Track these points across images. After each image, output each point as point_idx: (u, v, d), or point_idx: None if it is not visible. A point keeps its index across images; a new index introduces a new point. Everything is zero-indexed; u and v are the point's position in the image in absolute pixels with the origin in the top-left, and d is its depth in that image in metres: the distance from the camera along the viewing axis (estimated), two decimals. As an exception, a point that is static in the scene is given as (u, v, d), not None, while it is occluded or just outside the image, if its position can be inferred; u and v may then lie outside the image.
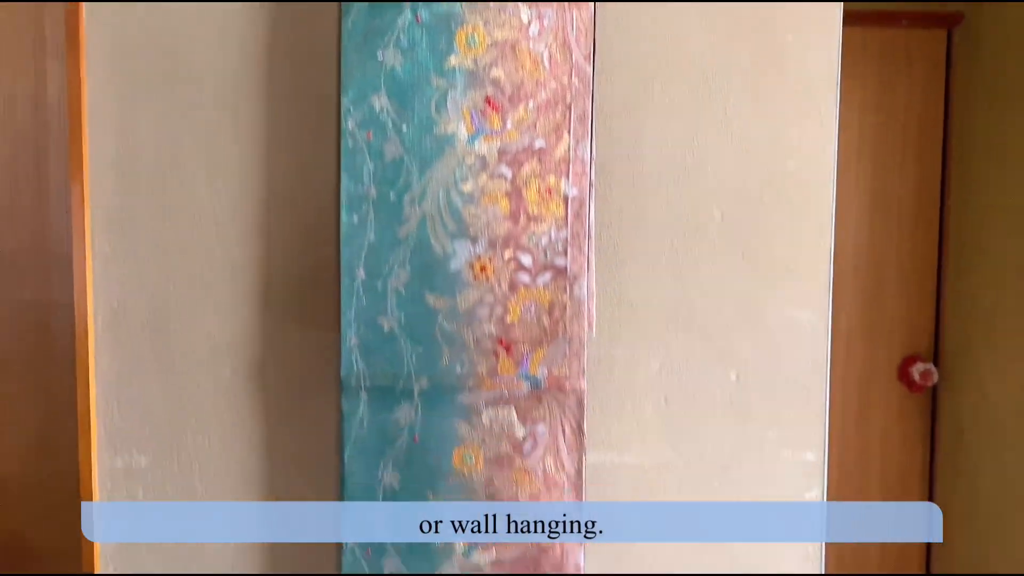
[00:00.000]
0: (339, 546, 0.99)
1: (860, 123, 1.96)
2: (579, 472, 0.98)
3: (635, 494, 1.04)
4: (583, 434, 0.98)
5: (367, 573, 0.97)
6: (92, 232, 1.00)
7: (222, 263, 1.01)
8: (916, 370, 1.97)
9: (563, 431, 0.98)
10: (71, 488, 1.01)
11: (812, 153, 1.04)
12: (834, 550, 2.00)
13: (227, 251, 1.01)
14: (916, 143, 1.96)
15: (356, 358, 0.96)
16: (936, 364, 2.00)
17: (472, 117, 0.96)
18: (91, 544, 1.02)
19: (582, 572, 0.98)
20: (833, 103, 1.04)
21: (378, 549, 0.97)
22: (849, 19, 1.84)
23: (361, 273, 0.96)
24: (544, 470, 0.98)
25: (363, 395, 0.96)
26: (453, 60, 0.95)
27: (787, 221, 1.04)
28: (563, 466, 0.98)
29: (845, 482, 2.01)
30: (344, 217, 0.96)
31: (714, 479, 1.06)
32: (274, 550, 1.02)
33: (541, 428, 0.97)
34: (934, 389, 2.02)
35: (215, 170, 1.01)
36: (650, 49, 1.02)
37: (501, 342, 0.97)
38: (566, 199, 0.97)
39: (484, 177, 0.96)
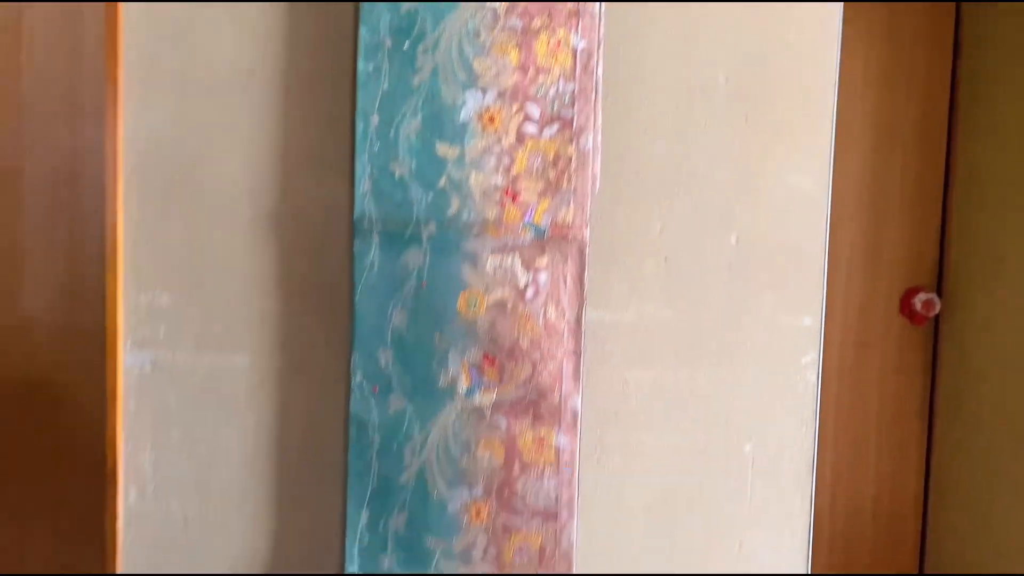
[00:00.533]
0: (347, 388, 1.04)
1: (866, 51, 1.95)
2: (578, 320, 1.02)
3: (631, 352, 1.08)
4: (584, 284, 1.02)
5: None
6: (123, 81, 1.05)
7: (245, 113, 1.05)
8: (919, 300, 1.97)
9: (564, 280, 1.01)
10: (97, 327, 1.07)
11: (815, 22, 1.06)
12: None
13: (250, 101, 1.05)
14: (924, 72, 1.95)
15: (368, 202, 1.01)
16: (939, 296, 2.00)
17: (485, -31, 0.99)
18: (115, 383, 1.08)
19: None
20: (840, -26, 1.06)
21: (385, 387, 1.02)
22: None
23: (375, 119, 1.00)
24: (545, 317, 1.01)
25: (374, 238, 1.01)
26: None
27: (790, 87, 1.06)
28: (564, 314, 1.01)
29: (844, 416, 2.03)
30: (360, 65, 1.00)
31: (711, 341, 1.09)
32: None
33: (543, 276, 1.01)
34: (936, 322, 2.03)
35: (240, 25, 1.05)
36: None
37: (507, 191, 1.01)
38: (575, 51, 1.00)
39: (496, 29, 0.99)
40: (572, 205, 1.01)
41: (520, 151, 1.00)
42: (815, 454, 1.10)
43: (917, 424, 2.05)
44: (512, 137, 1.00)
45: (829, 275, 1.95)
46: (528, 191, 1.01)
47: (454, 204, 1.01)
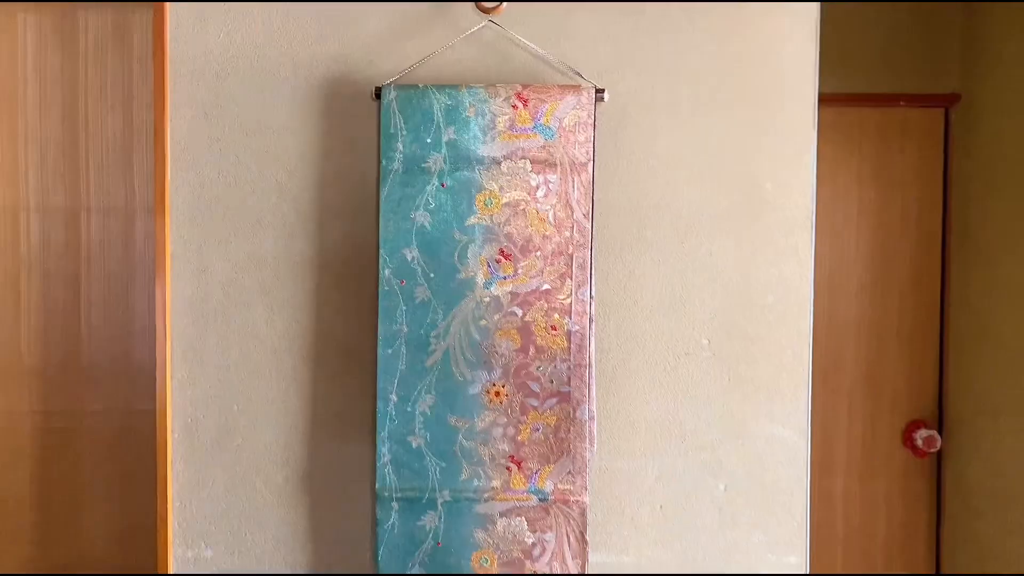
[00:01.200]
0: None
1: (859, 195, 2.05)
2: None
3: (634, 591, 1.17)
4: (586, 542, 1.12)
5: None
6: (172, 360, 1.20)
7: (277, 386, 1.19)
8: (919, 436, 2.03)
9: (568, 539, 1.11)
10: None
11: (790, 288, 1.17)
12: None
13: (281, 376, 1.19)
14: (916, 212, 2.04)
15: (389, 472, 1.12)
16: (940, 431, 2.06)
17: (488, 266, 1.12)
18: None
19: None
20: (808, 243, 1.17)
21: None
22: (846, 100, 1.96)
23: (394, 398, 1.13)
24: (551, 573, 1.11)
25: (394, 505, 1.12)
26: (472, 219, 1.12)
27: (768, 348, 1.17)
28: (568, 570, 1.11)
29: (851, 543, 2.07)
30: (380, 350, 1.13)
31: (706, 578, 1.18)
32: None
33: (549, 536, 1.11)
34: (938, 454, 2.08)
35: (273, 307, 1.19)
36: (641, 200, 1.17)
37: (513, 459, 1.12)
38: (569, 334, 1.12)
39: (498, 315, 1.12)
40: (572, 471, 1.11)
41: (524, 422, 1.12)
42: None
43: (925, 552, 2.09)
44: (517, 410, 1.12)
45: (831, 402, 2.03)
46: (532, 458, 1.12)
47: (465, 471, 1.12)
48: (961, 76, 1.96)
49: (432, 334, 1.12)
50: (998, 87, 1.84)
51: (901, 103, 2.00)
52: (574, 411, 1.12)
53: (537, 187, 1.12)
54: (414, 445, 1.13)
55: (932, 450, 2.03)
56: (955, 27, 1.95)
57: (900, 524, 2.08)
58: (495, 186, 1.12)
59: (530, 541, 1.12)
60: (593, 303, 1.13)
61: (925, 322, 2.05)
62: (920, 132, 2.02)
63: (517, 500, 1.11)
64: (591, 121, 1.12)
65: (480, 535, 1.12)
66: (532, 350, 1.12)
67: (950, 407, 2.05)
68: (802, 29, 1.16)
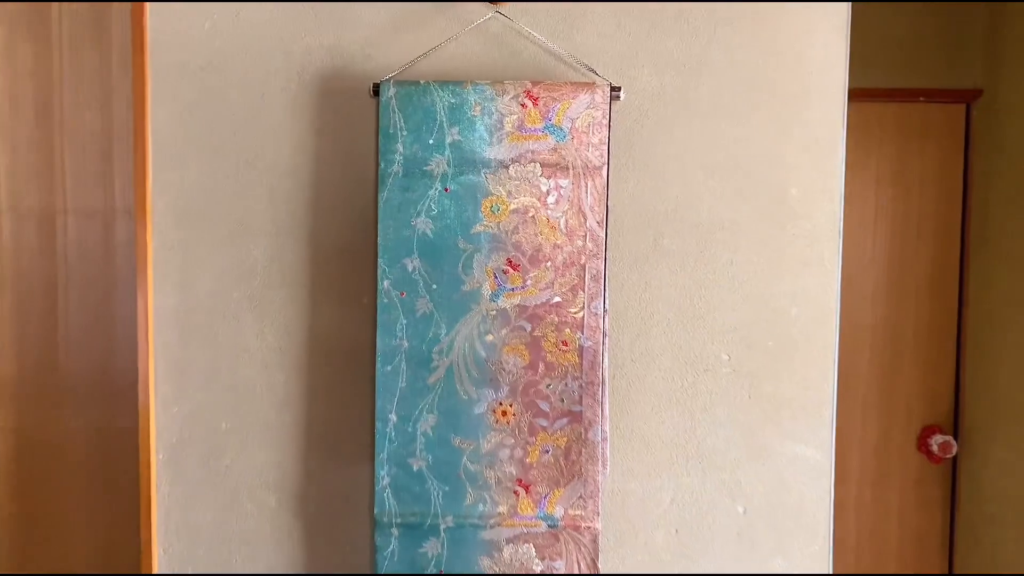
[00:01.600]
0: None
1: (876, 194, 1.98)
2: (593, 605, 1.05)
3: (647, 619, 1.11)
4: (598, 570, 1.05)
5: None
6: (155, 376, 1.12)
7: (269, 403, 1.11)
8: (935, 441, 1.98)
9: (579, 567, 1.05)
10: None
11: (815, 300, 1.10)
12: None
13: (273, 392, 1.11)
14: (935, 212, 1.98)
15: (388, 496, 1.05)
16: (955, 436, 2.01)
17: (495, 277, 1.05)
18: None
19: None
20: (835, 252, 1.10)
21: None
22: (865, 95, 1.89)
23: (393, 417, 1.05)
24: (561, 600, 1.05)
25: (394, 531, 1.05)
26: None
27: (791, 363, 1.10)
28: (579, 599, 1.05)
29: (864, 550, 2.03)
30: (379, 367, 1.05)
31: (723, 606, 1.11)
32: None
33: (559, 564, 1.05)
34: (954, 460, 2.03)
35: (263, 319, 1.11)
36: (657, 206, 1.09)
37: (520, 482, 1.05)
38: (581, 350, 1.05)
39: (506, 329, 1.05)
40: (584, 495, 1.05)
41: (532, 443, 1.05)
42: None
43: (939, 560, 2.05)
44: (525, 430, 1.05)
45: (845, 407, 1.98)
46: (540, 482, 1.05)
47: (469, 495, 1.05)
48: (983, 71, 1.89)
49: (434, 350, 1.05)
50: (1022, 82, 1.77)
51: (921, 99, 1.92)
52: (586, 432, 1.05)
53: (548, 192, 1.04)
54: (415, 468, 1.06)
55: (947, 456, 1.98)
56: (977, 20, 1.87)
57: (914, 531, 2.03)
58: (502, 191, 1.04)
59: (539, 569, 1.05)
60: (607, 317, 1.05)
61: (942, 325, 1.99)
62: (940, 129, 1.95)
63: (525, 526, 1.05)
64: (606, 121, 1.04)
65: (486, 563, 1.05)
66: (541, 367, 1.05)
67: (966, 412, 2.00)
68: (831, 25, 1.08)
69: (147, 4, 1.10)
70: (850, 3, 1.08)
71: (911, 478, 2.04)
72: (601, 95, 1.04)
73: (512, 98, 1.04)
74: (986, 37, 1.88)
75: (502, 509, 1.05)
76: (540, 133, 1.04)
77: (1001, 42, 1.84)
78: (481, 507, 1.05)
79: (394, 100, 1.04)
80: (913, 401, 2.02)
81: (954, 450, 1.98)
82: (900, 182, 1.97)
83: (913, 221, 1.98)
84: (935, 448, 1.98)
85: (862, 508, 2.03)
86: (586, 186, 1.04)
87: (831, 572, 1.12)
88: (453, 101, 1.04)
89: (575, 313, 1.05)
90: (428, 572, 1.05)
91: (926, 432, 2.02)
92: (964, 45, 1.89)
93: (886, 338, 2.00)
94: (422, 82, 1.05)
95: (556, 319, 1.05)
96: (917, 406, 2.02)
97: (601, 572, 1.05)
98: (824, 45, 1.08)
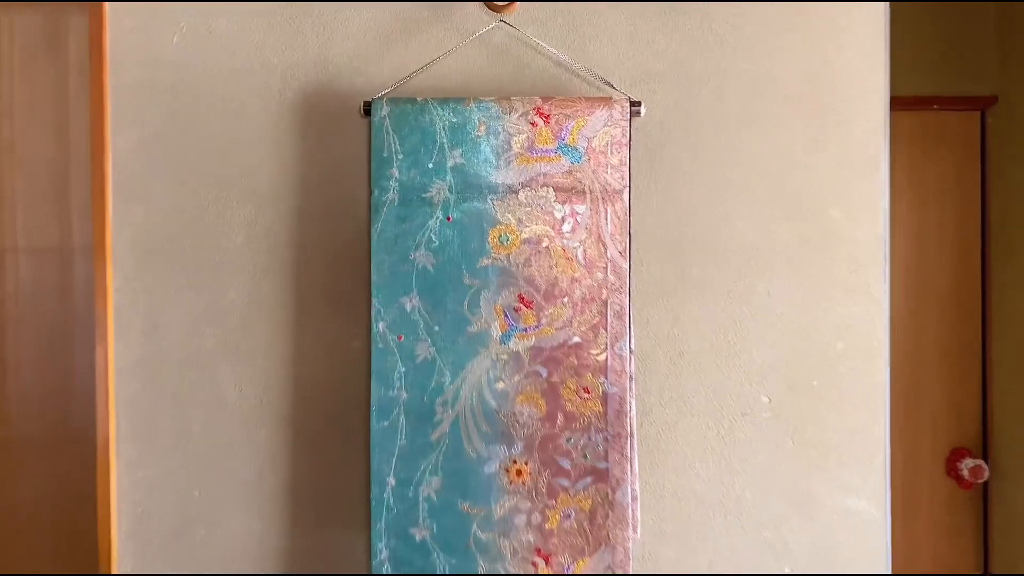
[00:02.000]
0: None
1: (892, 206, 1.90)
2: None
3: None
4: (630, 649, 0.92)
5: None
6: (117, 435, 0.98)
7: (249, 465, 0.97)
8: (965, 466, 1.88)
9: (608, 647, 0.91)
10: None
11: (862, 332, 0.99)
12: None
13: (254, 452, 0.97)
14: (953, 223, 1.90)
15: (387, 571, 0.91)
16: (985, 457, 1.90)
17: (506, 315, 0.92)
18: None
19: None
20: (881, 279, 0.99)
21: None
22: None
23: (392, 480, 0.92)
24: None
25: (395, 612, 0.91)
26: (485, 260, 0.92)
27: (838, 404, 0.99)
28: None
29: (895, 587, 1.91)
30: (374, 423, 0.92)
31: None
32: None
33: (585, 645, 0.91)
34: (985, 485, 1.92)
35: (241, 368, 0.98)
36: (685, 233, 0.98)
37: (540, 552, 0.92)
38: (605, 396, 0.92)
39: (519, 376, 0.92)
40: (612, 565, 0.91)
41: (552, 506, 0.92)
42: None
43: None
44: (543, 492, 0.92)
45: None
46: (562, 551, 0.92)
47: (481, 568, 0.91)
48: (999, 77, 1.81)
49: (437, 401, 0.92)
50: (1041, 90, 1.70)
51: (935, 106, 1.85)
52: (613, 492, 0.92)
53: (562, 220, 0.93)
54: (418, 538, 0.92)
55: (979, 481, 1.88)
56: (991, 25, 1.81)
57: (945, 561, 1.91)
58: (512, 219, 0.93)
59: (563, 653, 0.91)
60: (633, 358, 0.93)
61: (966, 342, 1.90)
62: (955, 137, 1.87)
63: (546, 603, 0.91)
64: (626, 140, 0.93)
65: (501, 647, 0.91)
66: (560, 418, 0.92)
67: (996, 433, 1.89)
68: (869, 28, 0.98)
69: (107, 13, 0.97)
70: (888, 2, 0.98)
71: (940, 504, 1.93)
72: (619, 111, 0.93)
73: (520, 116, 0.93)
74: (999, 41, 1.82)
75: (519, 583, 0.91)
76: (552, 154, 0.93)
77: (1016, 46, 1.77)
78: (495, 581, 0.91)
79: (388, 120, 0.92)
80: (939, 421, 1.91)
81: (986, 475, 1.87)
82: (916, 192, 1.89)
83: (931, 232, 1.90)
84: (965, 473, 1.88)
85: (893, 536, 1.91)
86: (605, 212, 0.93)
87: (890, 640, 0.99)
88: (454, 120, 0.92)
89: (597, 355, 0.93)
90: (435, 659, 0.91)
91: (955, 455, 1.91)
92: (978, 51, 1.82)
93: (908, 354, 1.90)
94: (419, 99, 0.93)
95: (576, 362, 0.92)
96: (944, 427, 1.91)
97: (634, 653, 0.92)
98: (861, 49, 0.98)
